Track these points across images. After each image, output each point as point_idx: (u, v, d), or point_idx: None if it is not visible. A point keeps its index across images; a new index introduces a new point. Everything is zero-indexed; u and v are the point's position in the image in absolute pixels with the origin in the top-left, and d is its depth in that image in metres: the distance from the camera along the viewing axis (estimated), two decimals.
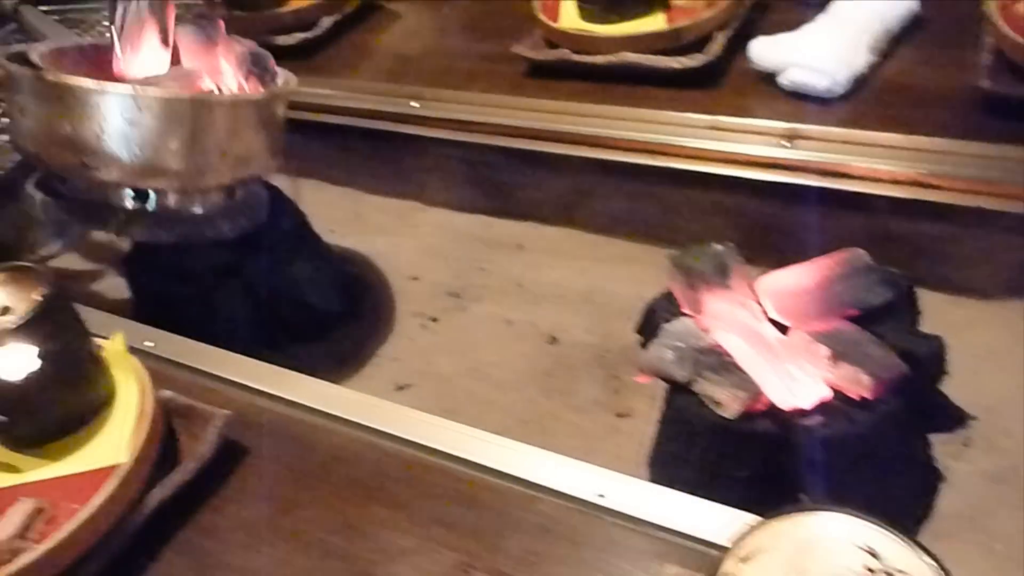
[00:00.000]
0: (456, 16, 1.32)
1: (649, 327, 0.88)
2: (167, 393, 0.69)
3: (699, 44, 1.02)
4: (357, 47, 1.29)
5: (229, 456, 0.68)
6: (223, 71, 0.89)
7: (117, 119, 0.75)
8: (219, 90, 0.86)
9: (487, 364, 0.98)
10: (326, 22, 1.29)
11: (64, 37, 0.95)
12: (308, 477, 0.66)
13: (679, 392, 0.76)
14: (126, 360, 0.70)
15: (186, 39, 0.89)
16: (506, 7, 1.30)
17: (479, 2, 1.33)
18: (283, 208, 1.11)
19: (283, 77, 0.91)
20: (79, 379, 0.66)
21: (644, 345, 0.92)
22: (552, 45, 1.10)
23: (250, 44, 0.91)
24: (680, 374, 0.75)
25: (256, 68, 0.89)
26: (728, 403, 0.72)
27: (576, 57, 1.05)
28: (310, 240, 1.03)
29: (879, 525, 0.50)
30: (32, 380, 0.62)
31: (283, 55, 1.25)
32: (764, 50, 0.96)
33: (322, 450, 0.68)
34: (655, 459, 0.81)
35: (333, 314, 1.03)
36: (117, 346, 0.70)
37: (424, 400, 0.95)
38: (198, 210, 0.86)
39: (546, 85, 1.08)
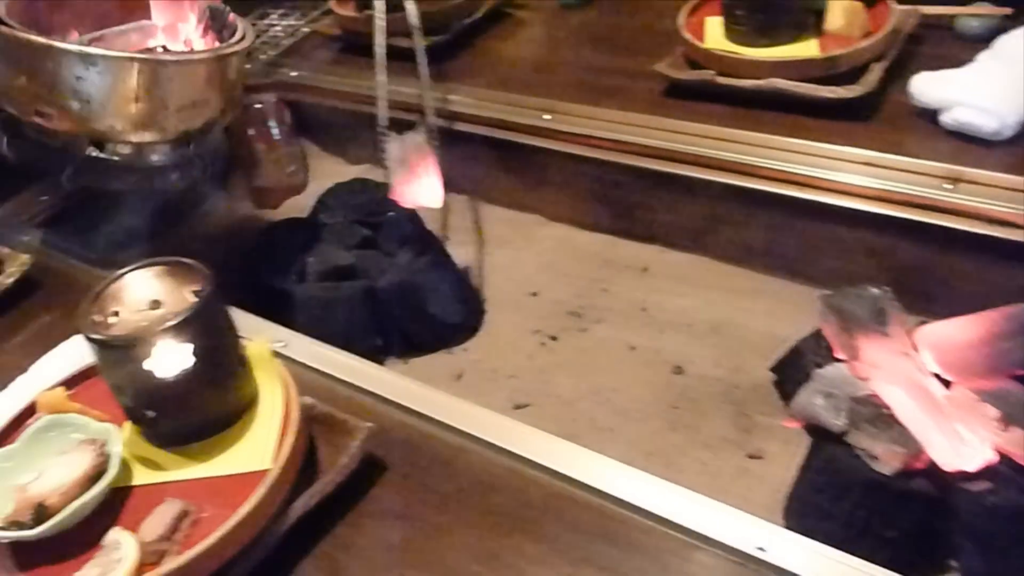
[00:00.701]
0: (588, 28, 1.29)
1: (792, 368, 0.85)
2: (308, 400, 0.68)
3: (851, 74, 0.98)
4: (486, 54, 1.27)
5: (367, 470, 0.66)
6: (181, 25, 0.94)
7: (67, 74, 0.79)
8: (164, 48, 0.92)
9: (608, 389, 0.95)
10: (456, 26, 1.27)
11: None
12: (450, 501, 0.64)
13: (830, 442, 0.72)
14: (270, 362, 0.69)
15: None
16: (640, 21, 1.27)
17: (611, 15, 1.31)
18: (407, 213, 1.10)
19: (241, 32, 0.92)
20: (228, 380, 0.65)
21: (781, 385, 0.89)
22: (693, 64, 1.07)
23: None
24: (834, 423, 0.71)
25: (215, 23, 0.93)
26: (886, 458, 0.69)
27: (721, 79, 1.01)
28: (434, 248, 1.02)
29: None
30: (183, 378, 0.61)
31: (412, 59, 1.24)
32: (928, 86, 0.91)
33: (463, 473, 0.66)
34: (794, 508, 0.77)
35: (452, 325, 1.01)
36: (261, 348, 0.69)
37: (543, 421, 0.92)
38: (153, 160, 0.88)
39: (685, 106, 1.05)
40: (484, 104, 1.15)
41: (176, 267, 0.66)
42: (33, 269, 0.94)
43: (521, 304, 1.07)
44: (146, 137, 0.85)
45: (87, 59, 0.79)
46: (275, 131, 1.16)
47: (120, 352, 0.60)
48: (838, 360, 0.76)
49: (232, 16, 0.94)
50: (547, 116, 1.10)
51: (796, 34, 1.03)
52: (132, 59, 0.81)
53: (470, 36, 1.29)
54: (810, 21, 1.04)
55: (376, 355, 0.99)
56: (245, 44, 0.90)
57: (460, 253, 1.08)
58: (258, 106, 1.16)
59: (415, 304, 0.98)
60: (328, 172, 1.32)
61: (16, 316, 0.92)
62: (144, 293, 0.66)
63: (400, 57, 1.26)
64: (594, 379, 0.96)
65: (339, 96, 1.28)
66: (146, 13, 0.96)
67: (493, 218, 1.19)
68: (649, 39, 1.20)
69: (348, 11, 1.31)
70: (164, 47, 0.91)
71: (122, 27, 0.94)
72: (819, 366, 0.77)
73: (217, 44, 0.92)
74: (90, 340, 0.60)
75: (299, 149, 1.21)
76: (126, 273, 0.65)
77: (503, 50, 1.28)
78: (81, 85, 0.79)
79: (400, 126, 1.20)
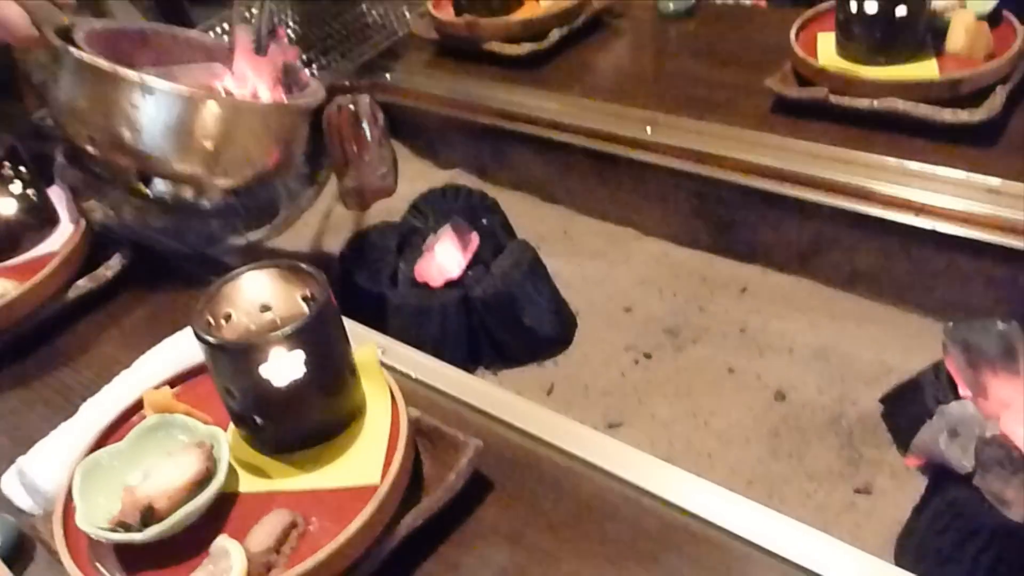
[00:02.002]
0: (689, 40, 1.27)
1: (907, 401, 0.81)
2: (414, 412, 0.66)
3: (973, 97, 0.94)
4: (585, 63, 1.25)
5: (474, 489, 0.64)
6: (251, 75, 0.92)
7: (123, 101, 0.79)
8: (226, 92, 0.89)
9: (706, 412, 0.92)
10: (555, 34, 1.25)
11: (131, 18, 0.97)
12: (561, 526, 0.62)
13: (952, 482, 0.69)
14: (378, 371, 0.67)
15: (243, 38, 0.91)
16: (743, 34, 1.24)
17: (713, 27, 1.28)
18: (504, 222, 1.08)
19: (311, 91, 0.91)
20: (338, 388, 0.63)
21: (892, 418, 0.85)
22: (803, 81, 1.04)
23: (289, 54, 0.93)
24: (961, 464, 0.68)
25: (287, 77, 0.92)
26: (1017, 503, 0.65)
27: (835, 98, 0.98)
28: (531, 259, 1.00)
29: None
30: (296, 386, 0.60)
31: (510, 65, 1.23)
32: None
33: (573, 496, 0.64)
34: (909, 549, 0.74)
35: (546, 338, 0.99)
36: (370, 356, 0.67)
37: (638, 442, 0.88)
38: (192, 203, 0.88)
39: (794, 123, 1.01)
40: (583, 114, 1.13)
41: (289, 270, 0.65)
42: (131, 263, 0.94)
43: (614, 319, 1.04)
44: (189, 177, 0.85)
45: (145, 88, 0.78)
46: (368, 133, 1.15)
47: (236, 356, 0.59)
48: (962, 396, 0.73)
49: (306, 75, 0.94)
50: (649, 128, 1.07)
51: (914, 54, 0.99)
52: (188, 93, 0.80)
53: (568, 45, 1.27)
54: (929, 40, 1.00)
55: (466, 365, 0.97)
56: (309, 102, 0.89)
57: (553, 264, 1.06)
58: (352, 107, 1.16)
59: (510, 315, 0.96)
60: (418, 175, 1.32)
61: (112, 309, 0.93)
62: (255, 295, 0.65)
63: (500, 63, 1.25)
64: (691, 400, 0.93)
65: (433, 100, 1.27)
66: (229, 64, 0.96)
67: (587, 230, 1.17)
68: (753, 53, 1.17)
69: (446, 14, 1.30)
70: (226, 90, 0.90)
71: (191, 65, 0.93)
72: (940, 402, 0.74)
73: (284, 99, 0.91)
74: (205, 343, 0.59)
75: (391, 152, 1.20)
76: (239, 274, 0.64)
77: (602, 60, 1.26)
78: (135, 114, 0.79)
79: (496, 133, 1.20)
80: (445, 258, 0.97)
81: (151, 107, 0.79)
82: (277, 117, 0.87)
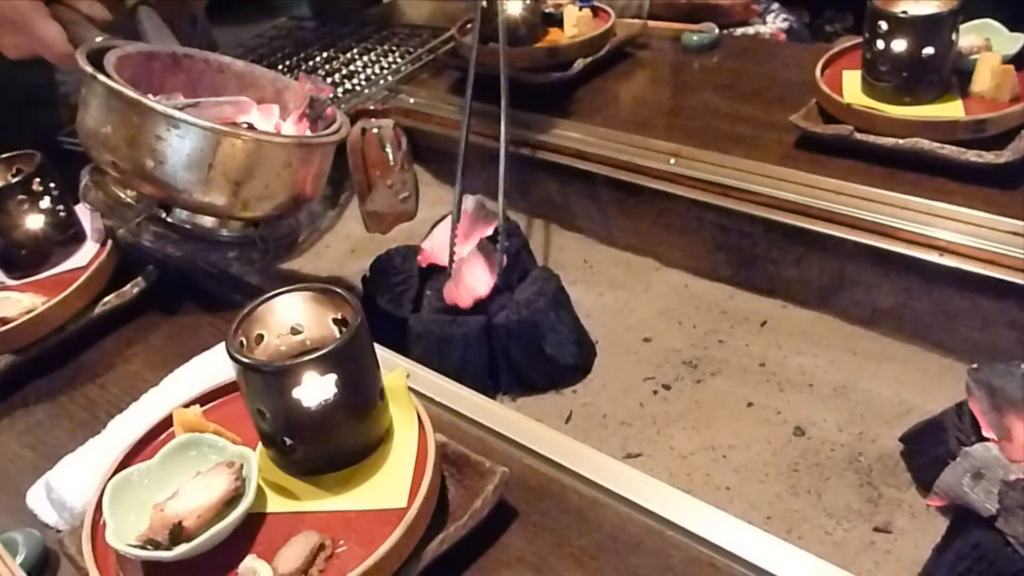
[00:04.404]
0: (713, 73, 1.28)
1: (928, 442, 0.81)
2: (441, 437, 0.66)
3: (998, 139, 0.95)
4: (608, 93, 1.26)
5: (498, 516, 0.64)
6: (274, 109, 0.95)
7: (148, 131, 0.80)
8: (250, 126, 0.91)
9: (725, 446, 0.92)
10: (579, 64, 1.27)
11: (165, 42, 1.00)
12: (585, 556, 0.62)
13: (975, 524, 0.69)
14: (405, 395, 0.68)
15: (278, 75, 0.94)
16: (766, 69, 1.25)
17: (737, 61, 1.29)
18: (526, 246, 1.09)
19: (336, 127, 0.93)
20: (367, 412, 0.64)
21: (912, 457, 0.85)
22: (828, 117, 1.04)
23: (321, 89, 0.96)
24: (985, 506, 0.68)
25: (312, 112, 0.94)
26: None
27: (860, 136, 0.99)
28: (553, 286, 1.00)
29: None
30: (327, 408, 0.60)
31: (535, 93, 1.24)
32: None
33: (597, 527, 0.64)
34: None
35: (566, 367, 0.99)
36: (398, 380, 0.68)
37: (656, 473, 0.88)
38: (214, 234, 0.90)
39: (818, 160, 1.02)
40: (606, 144, 1.14)
41: (322, 293, 0.65)
42: (158, 280, 0.95)
43: (634, 349, 1.05)
44: (210, 210, 0.87)
45: (170, 121, 0.80)
46: (392, 157, 1.16)
47: (270, 378, 0.59)
48: (986, 439, 0.73)
49: (332, 110, 0.95)
50: (672, 160, 1.08)
51: (940, 94, 1.00)
52: (211, 129, 0.82)
53: (592, 75, 1.29)
54: (955, 81, 1.01)
55: (485, 391, 0.97)
56: (332, 138, 0.91)
57: (573, 293, 1.06)
58: (375, 131, 1.17)
59: (532, 343, 0.96)
60: (439, 199, 1.32)
61: (138, 326, 0.93)
62: (287, 317, 0.66)
63: (524, 91, 1.26)
64: (709, 433, 0.94)
65: (456, 126, 1.28)
66: (258, 91, 0.98)
67: (608, 259, 1.18)
68: (777, 87, 1.19)
69: (471, 41, 1.32)
70: (250, 125, 0.92)
71: (219, 98, 0.95)
72: (963, 443, 0.74)
73: (307, 133, 0.93)
74: (240, 364, 0.59)
75: (413, 176, 1.21)
76: (273, 297, 0.65)
77: (626, 90, 1.27)
78: (159, 145, 0.81)
79: (518, 160, 1.20)
80: (473, 279, 0.98)
81: (176, 140, 0.80)
82: (300, 154, 0.88)
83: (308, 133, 0.94)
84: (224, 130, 0.82)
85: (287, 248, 0.98)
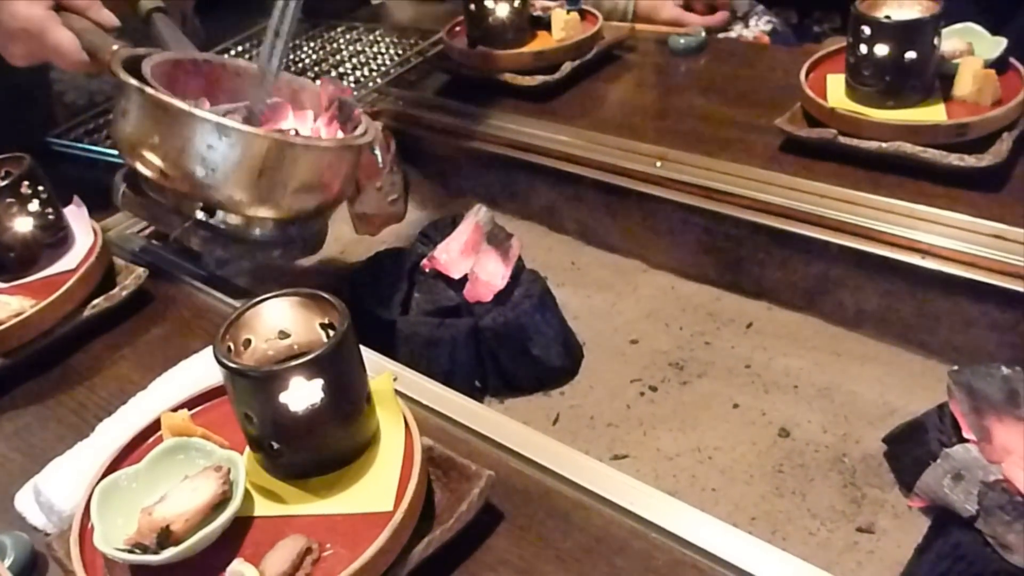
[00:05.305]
0: (699, 76, 1.29)
1: (911, 443, 0.82)
2: (427, 441, 0.67)
3: (980, 143, 0.96)
4: (596, 96, 1.27)
5: (484, 519, 0.65)
6: (309, 113, 0.97)
7: (199, 141, 0.82)
8: (296, 132, 0.94)
9: (710, 447, 0.93)
10: (567, 67, 1.27)
11: (185, 48, 1.01)
12: (570, 559, 0.62)
13: (955, 525, 0.70)
14: (392, 399, 0.68)
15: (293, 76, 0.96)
16: (752, 73, 1.26)
17: (723, 65, 1.30)
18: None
19: (363, 128, 0.94)
20: (354, 416, 0.64)
21: (894, 458, 0.86)
22: (813, 121, 1.05)
23: (344, 91, 0.98)
24: (964, 507, 0.68)
25: (341, 115, 0.96)
26: (1018, 548, 0.66)
27: (843, 139, 1.00)
28: (540, 288, 1.01)
29: None
30: (312, 413, 0.61)
31: (522, 96, 1.25)
32: None
33: (582, 529, 0.65)
34: None
35: (553, 368, 1.00)
36: (385, 384, 0.68)
37: (642, 475, 0.91)
38: (258, 234, 0.91)
39: (802, 163, 1.03)
40: (593, 146, 1.15)
41: (309, 298, 0.66)
42: (146, 283, 0.96)
43: (620, 351, 1.05)
44: (259, 212, 0.88)
45: (222, 130, 0.82)
46: (380, 159, 1.16)
47: (258, 383, 0.59)
48: (966, 440, 0.73)
49: (358, 111, 0.97)
50: (658, 163, 1.09)
51: (922, 98, 1.01)
52: (265, 137, 0.84)
53: (580, 78, 1.29)
54: (937, 85, 1.02)
55: (472, 393, 0.98)
56: (368, 139, 0.93)
57: (560, 294, 1.07)
58: None
59: (519, 345, 0.97)
60: (428, 202, 1.33)
61: (127, 329, 0.94)
62: (275, 322, 0.66)
63: (512, 94, 1.27)
64: (695, 435, 0.94)
65: (444, 128, 1.29)
66: (279, 93, 0.99)
67: (595, 261, 1.18)
68: (762, 91, 1.19)
69: (459, 44, 1.32)
70: (295, 131, 0.94)
71: (263, 102, 0.97)
72: (944, 444, 0.75)
73: (341, 135, 0.95)
74: (228, 368, 0.60)
75: (401, 178, 1.22)
76: (261, 302, 0.66)
77: (613, 93, 1.27)
78: (210, 153, 0.82)
79: (506, 162, 1.21)
80: (489, 274, 0.99)
81: (227, 148, 0.82)
82: (341, 156, 0.91)
83: (340, 135, 0.96)
84: (275, 137, 0.84)
85: (320, 244, 1.00)
